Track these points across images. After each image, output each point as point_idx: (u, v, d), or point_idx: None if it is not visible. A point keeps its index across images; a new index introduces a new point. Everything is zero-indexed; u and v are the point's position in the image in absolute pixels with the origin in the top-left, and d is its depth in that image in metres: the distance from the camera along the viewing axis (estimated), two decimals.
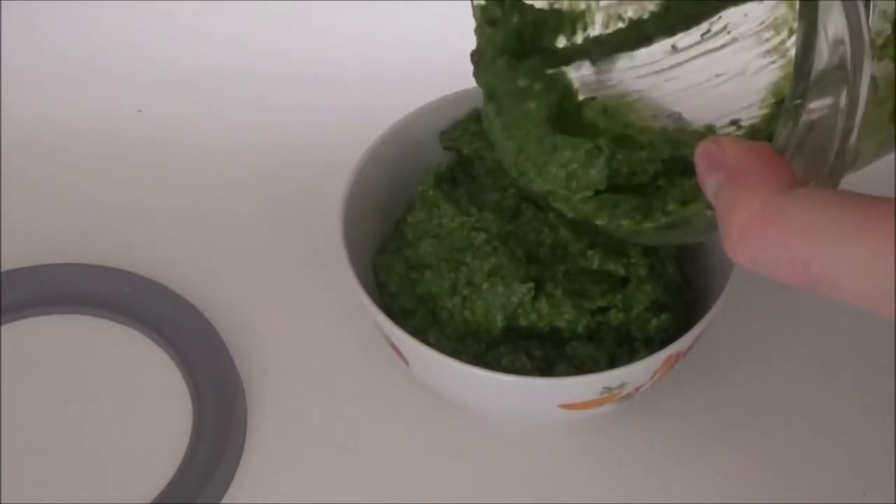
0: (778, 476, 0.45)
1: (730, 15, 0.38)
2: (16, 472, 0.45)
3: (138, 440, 0.46)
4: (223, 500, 0.45)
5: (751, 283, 0.47)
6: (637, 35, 0.40)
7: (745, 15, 0.38)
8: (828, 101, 0.28)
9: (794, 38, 0.30)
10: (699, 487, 0.45)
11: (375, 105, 0.50)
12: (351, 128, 0.49)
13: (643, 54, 0.40)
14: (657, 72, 0.40)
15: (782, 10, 0.36)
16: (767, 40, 0.37)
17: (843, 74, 0.28)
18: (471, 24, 0.41)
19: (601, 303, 0.42)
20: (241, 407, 0.47)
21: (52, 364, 0.49)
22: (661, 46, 0.40)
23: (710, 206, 0.30)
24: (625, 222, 0.36)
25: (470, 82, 0.45)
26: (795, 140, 0.29)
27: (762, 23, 0.37)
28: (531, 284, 0.41)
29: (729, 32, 0.38)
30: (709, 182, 0.30)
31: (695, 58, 0.39)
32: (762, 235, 0.27)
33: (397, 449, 0.46)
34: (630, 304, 0.42)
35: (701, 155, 0.30)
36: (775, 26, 0.37)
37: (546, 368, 0.41)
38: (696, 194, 0.33)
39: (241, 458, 0.46)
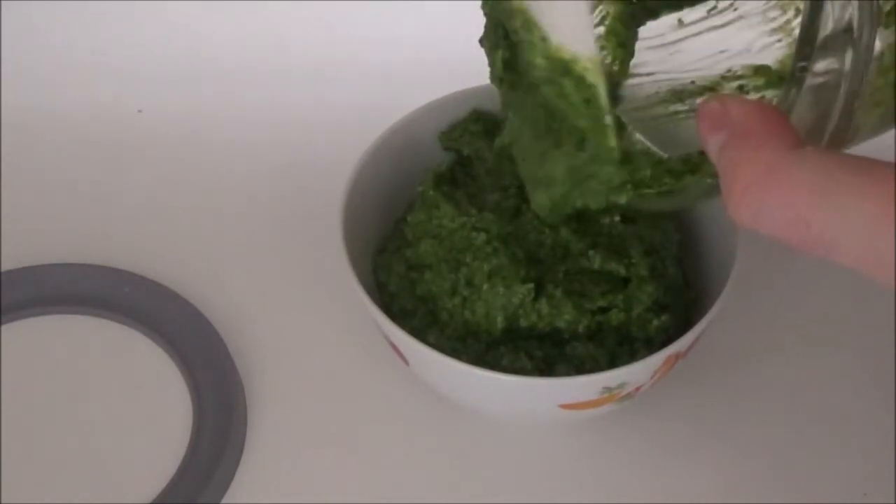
0: (778, 476, 0.45)
1: None
2: (16, 472, 0.45)
3: (138, 440, 0.46)
4: (223, 500, 0.45)
5: (751, 283, 0.47)
6: (643, 10, 0.40)
7: None
8: (832, 65, 0.28)
9: (799, 19, 0.30)
10: (699, 487, 0.45)
11: (375, 105, 0.50)
12: (351, 128, 0.49)
13: (650, 28, 0.40)
14: (662, 45, 0.40)
15: None
16: (774, 19, 0.37)
17: (848, 38, 0.28)
18: (472, 24, 0.40)
19: (602, 303, 0.42)
20: (241, 407, 0.47)
21: (52, 364, 0.49)
22: (668, 20, 0.40)
23: (710, 175, 0.30)
24: (627, 186, 0.36)
25: (470, 82, 0.45)
26: (799, 103, 0.29)
27: (769, 1, 0.37)
28: (531, 285, 0.41)
29: (735, 9, 0.38)
30: (711, 141, 0.29)
31: (700, 33, 0.39)
32: (765, 194, 0.27)
33: (397, 449, 0.46)
34: (631, 304, 0.42)
35: (704, 113, 0.30)
36: (782, 6, 0.37)
37: (546, 368, 0.41)
38: (698, 165, 0.33)
39: (241, 458, 0.46)
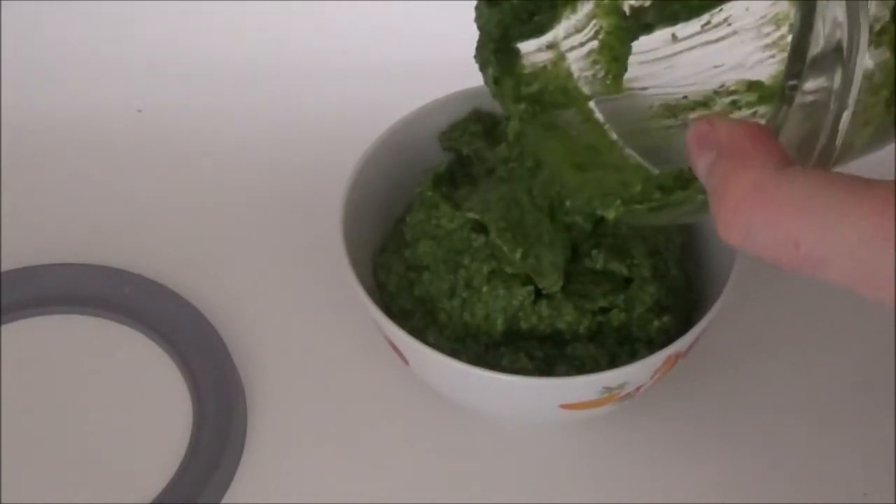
0: (778, 476, 0.45)
1: (731, 7, 0.38)
2: (16, 472, 0.45)
3: (138, 440, 0.46)
4: (223, 500, 0.45)
5: (751, 283, 0.47)
6: (637, 24, 0.40)
7: (747, 9, 0.38)
8: (822, 83, 0.28)
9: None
10: (700, 487, 0.45)
11: (375, 105, 0.50)
12: (351, 128, 0.49)
13: (643, 42, 0.40)
14: (656, 60, 0.40)
15: (784, 6, 0.36)
16: (767, 35, 0.37)
17: (838, 57, 0.28)
18: (473, 24, 0.40)
19: (603, 303, 0.42)
20: (241, 407, 0.47)
21: (52, 364, 0.48)
22: (661, 35, 0.40)
23: (702, 191, 0.30)
24: (617, 202, 0.36)
25: (470, 82, 0.45)
26: (789, 121, 0.29)
27: (763, 17, 0.37)
28: (532, 287, 0.41)
29: (729, 25, 0.38)
30: (700, 161, 0.29)
31: (694, 48, 0.39)
32: (754, 213, 0.27)
33: (397, 449, 0.46)
34: (632, 304, 0.42)
35: (692, 135, 0.30)
36: (776, 21, 0.37)
37: (546, 368, 0.41)
38: (689, 181, 0.33)
39: (241, 458, 0.46)
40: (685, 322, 0.43)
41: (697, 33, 0.39)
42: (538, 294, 0.42)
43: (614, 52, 0.40)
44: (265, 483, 0.45)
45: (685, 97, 0.39)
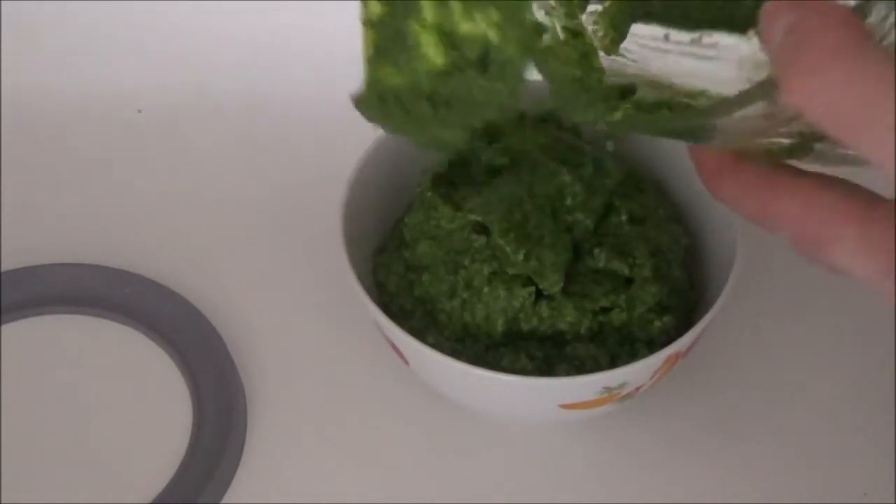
0: (778, 476, 0.45)
1: (721, 36, 0.38)
2: (16, 472, 0.45)
3: (138, 440, 0.46)
4: (223, 500, 0.45)
5: (751, 284, 0.47)
6: (640, 9, 0.40)
7: (734, 44, 0.38)
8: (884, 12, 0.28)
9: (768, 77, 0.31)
10: (699, 487, 0.45)
11: None
12: (351, 127, 0.49)
13: (638, 28, 0.40)
14: (648, 48, 0.40)
15: (762, 59, 0.36)
16: (749, 80, 0.37)
17: None
18: None
19: (604, 303, 0.42)
20: (241, 407, 0.47)
21: (52, 364, 0.49)
22: (657, 30, 0.40)
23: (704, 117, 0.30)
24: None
25: None
26: (875, 10, 0.28)
27: (744, 59, 0.37)
28: (532, 288, 0.41)
29: (717, 50, 0.38)
30: (783, 19, 0.28)
31: (684, 55, 0.39)
32: (830, 73, 0.26)
33: (397, 449, 0.46)
34: (633, 304, 0.42)
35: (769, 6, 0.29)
36: (755, 65, 0.37)
37: (546, 368, 0.41)
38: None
39: (241, 458, 0.46)
40: (686, 322, 0.43)
41: (687, 44, 0.39)
42: (539, 295, 0.42)
43: (614, 20, 0.40)
44: (265, 483, 0.45)
45: (671, 86, 0.39)
